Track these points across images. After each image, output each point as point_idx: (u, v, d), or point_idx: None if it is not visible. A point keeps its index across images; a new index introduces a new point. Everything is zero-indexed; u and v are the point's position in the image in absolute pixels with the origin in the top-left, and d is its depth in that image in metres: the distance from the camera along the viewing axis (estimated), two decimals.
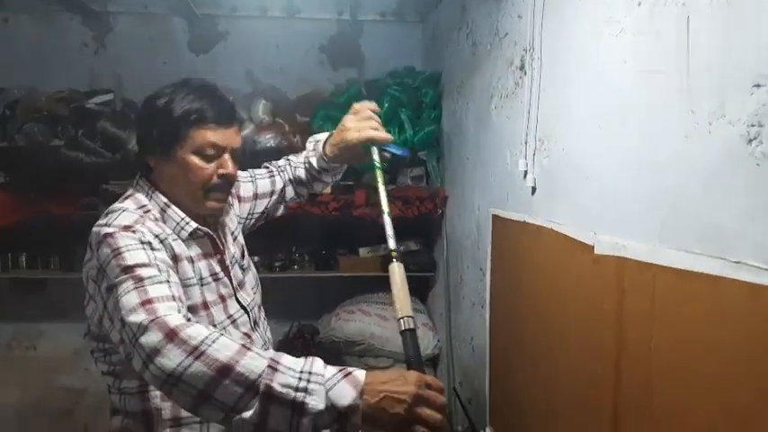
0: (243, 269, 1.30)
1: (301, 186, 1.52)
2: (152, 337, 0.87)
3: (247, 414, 0.82)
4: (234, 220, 1.37)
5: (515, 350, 1.56)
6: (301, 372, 0.84)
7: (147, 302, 0.92)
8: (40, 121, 2.54)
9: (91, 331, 1.13)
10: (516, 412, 1.56)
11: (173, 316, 0.90)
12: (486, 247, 1.81)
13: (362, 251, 2.85)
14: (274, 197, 1.48)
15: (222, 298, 1.20)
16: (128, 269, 0.97)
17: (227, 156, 1.15)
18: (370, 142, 1.30)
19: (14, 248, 2.83)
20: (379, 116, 1.37)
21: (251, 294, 1.28)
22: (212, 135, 1.12)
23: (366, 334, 2.62)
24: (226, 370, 0.83)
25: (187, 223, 1.15)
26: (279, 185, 1.49)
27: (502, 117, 1.71)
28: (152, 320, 0.89)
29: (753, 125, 0.71)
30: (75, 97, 2.67)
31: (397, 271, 1.09)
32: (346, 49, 3.07)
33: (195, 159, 1.12)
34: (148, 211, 1.14)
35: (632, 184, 0.98)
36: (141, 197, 1.16)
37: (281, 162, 1.53)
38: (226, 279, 1.22)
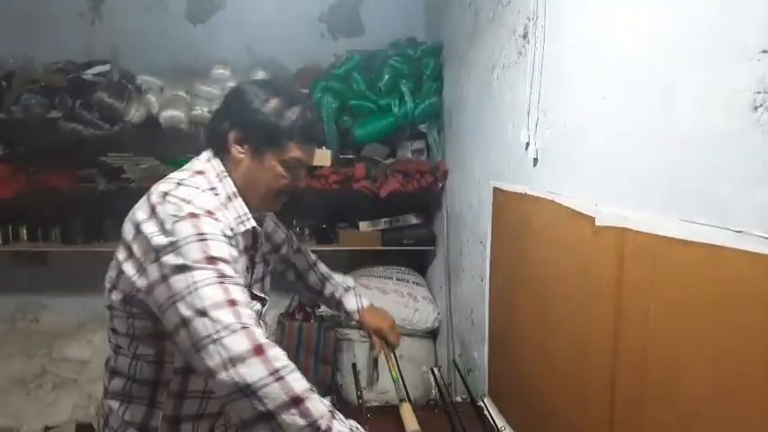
0: (263, 271, 1.35)
1: (289, 268, 1.63)
2: (240, 345, 0.91)
3: None
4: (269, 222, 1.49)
5: (514, 321, 1.57)
6: (350, 426, 0.96)
7: (232, 303, 0.95)
8: (37, 92, 2.51)
9: (119, 289, 1.08)
10: (515, 382, 1.58)
11: (259, 331, 0.95)
12: (487, 219, 1.81)
13: (363, 225, 2.84)
14: (283, 264, 1.62)
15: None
16: (212, 260, 0.98)
17: (303, 169, 1.23)
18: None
19: (14, 221, 2.84)
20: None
21: (267, 289, 1.34)
22: (304, 153, 1.20)
23: None
24: (298, 401, 0.90)
25: (249, 219, 1.18)
26: (290, 258, 1.61)
27: (504, 88, 1.68)
28: (242, 327, 0.93)
29: (759, 92, 0.70)
30: (71, 68, 2.63)
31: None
32: (346, 20, 3.02)
33: (281, 168, 1.18)
34: (218, 194, 1.14)
35: (635, 154, 0.97)
36: (212, 177, 1.16)
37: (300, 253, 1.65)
38: (249, 272, 1.26)
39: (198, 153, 1.22)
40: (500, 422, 1.61)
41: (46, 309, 3.17)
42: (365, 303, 1.61)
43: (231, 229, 1.08)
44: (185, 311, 0.94)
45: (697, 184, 0.81)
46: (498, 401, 1.72)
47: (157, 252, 0.99)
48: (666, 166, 0.88)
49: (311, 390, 0.93)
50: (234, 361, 0.89)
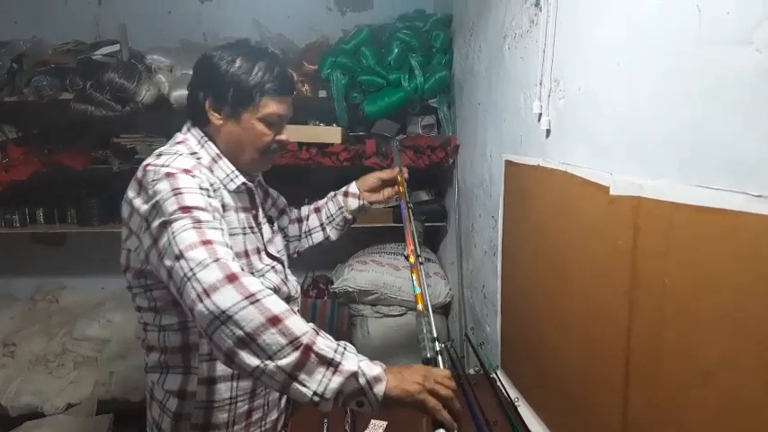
0: (272, 231, 1.39)
1: (296, 225, 1.67)
2: (213, 275, 0.91)
3: (284, 362, 0.86)
4: (266, 194, 1.50)
5: (527, 294, 1.57)
6: (338, 343, 0.92)
7: (207, 242, 0.96)
8: (48, 74, 2.51)
9: (131, 267, 1.15)
10: (528, 354, 1.59)
11: (232, 262, 0.95)
12: (499, 193, 1.79)
13: None
14: (290, 228, 1.65)
15: (257, 250, 1.27)
16: (187, 209, 1.00)
17: (283, 122, 1.25)
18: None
19: (31, 203, 2.87)
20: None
21: (281, 249, 1.38)
22: (279, 106, 1.22)
23: (379, 283, 2.65)
24: (275, 320, 0.88)
25: (237, 176, 1.22)
26: (284, 223, 1.63)
27: (516, 58, 1.65)
28: (214, 260, 0.93)
29: None
30: (81, 49, 2.63)
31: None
32: None
33: (261, 126, 1.20)
34: (200, 158, 1.18)
35: (651, 121, 0.95)
36: (193, 144, 1.22)
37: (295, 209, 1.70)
38: (258, 234, 1.29)
39: None
40: (513, 393, 1.62)
41: (65, 289, 3.24)
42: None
43: (212, 185, 1.11)
44: (168, 262, 0.97)
45: (715, 149, 0.79)
46: (511, 373, 1.74)
47: (146, 219, 1.04)
48: (682, 131, 0.86)
49: (290, 310, 0.92)
50: (208, 291, 0.89)
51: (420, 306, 1.10)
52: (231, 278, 0.90)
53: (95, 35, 2.83)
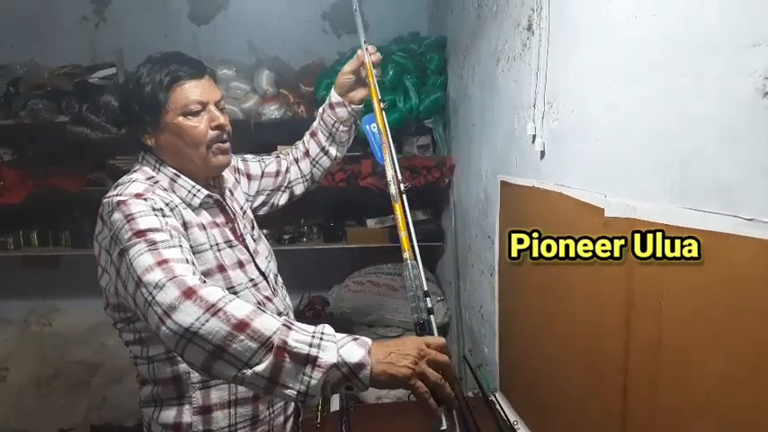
0: (254, 240, 1.33)
1: (305, 159, 1.58)
2: (169, 294, 0.88)
3: (260, 368, 0.83)
4: (242, 196, 1.42)
5: (524, 315, 1.56)
6: (314, 332, 0.86)
7: (162, 262, 0.93)
8: (44, 97, 2.53)
9: (110, 303, 1.15)
10: (526, 377, 1.57)
11: (189, 276, 0.92)
12: (495, 213, 1.80)
13: (370, 222, 2.84)
14: (280, 177, 1.55)
15: (240, 263, 1.22)
16: (140, 233, 0.98)
17: (212, 107, 1.18)
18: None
19: (25, 225, 2.86)
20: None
21: (264, 263, 1.31)
22: (191, 91, 1.15)
23: (375, 304, 2.64)
24: (242, 325, 0.84)
25: (198, 190, 1.18)
26: (284, 166, 1.56)
27: (509, 80, 1.67)
28: (170, 279, 0.90)
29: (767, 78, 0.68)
30: (77, 72, 2.65)
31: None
32: (350, 16, 3.00)
33: (185, 120, 1.15)
34: (157, 182, 1.16)
35: (643, 144, 0.96)
36: (148, 170, 1.19)
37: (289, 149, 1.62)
38: (241, 246, 1.24)
39: None
40: (512, 417, 1.61)
41: (59, 312, 3.20)
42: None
43: (167, 204, 1.08)
44: (131, 290, 0.95)
45: (706, 173, 0.80)
46: (510, 396, 1.72)
47: (108, 252, 1.04)
48: (675, 155, 0.87)
49: (257, 310, 0.87)
50: (167, 312, 0.87)
51: (407, 253, 1.00)
52: (188, 293, 0.88)
53: (92, 58, 2.85)
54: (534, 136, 1.43)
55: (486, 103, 1.95)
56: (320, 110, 1.57)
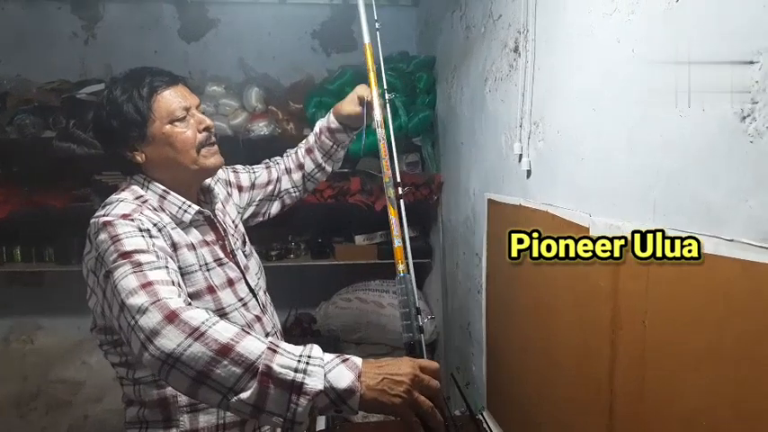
0: (245, 255, 1.32)
1: (298, 172, 1.59)
2: (152, 319, 0.87)
3: (245, 395, 0.81)
4: (234, 209, 1.41)
5: (511, 334, 1.56)
6: (300, 355, 0.84)
7: (147, 285, 0.92)
8: (32, 112, 2.51)
9: (97, 325, 1.13)
10: (513, 395, 1.57)
11: (173, 299, 0.90)
12: (482, 231, 1.81)
13: (358, 239, 2.84)
14: (270, 187, 1.56)
15: (230, 282, 1.21)
16: (126, 254, 0.97)
17: (195, 111, 1.19)
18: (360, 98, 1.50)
19: (8, 242, 2.82)
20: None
21: (255, 279, 1.30)
22: (172, 98, 1.15)
23: (363, 322, 2.63)
24: (225, 350, 0.82)
25: (189, 206, 1.17)
26: (275, 176, 1.57)
27: (496, 100, 1.70)
28: (153, 303, 0.89)
29: (746, 102, 0.70)
30: (65, 87, 2.64)
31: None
32: (339, 35, 3.04)
33: (173, 128, 1.14)
34: (146, 201, 1.15)
35: (626, 164, 0.97)
36: (137, 188, 1.18)
37: (278, 158, 1.63)
38: (231, 264, 1.23)
39: None
40: None
41: (41, 329, 3.14)
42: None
43: (155, 225, 1.07)
44: (115, 313, 0.94)
45: (688, 193, 0.82)
46: (497, 415, 1.71)
47: (95, 273, 1.03)
48: (658, 176, 0.88)
49: (241, 332, 0.85)
50: (150, 337, 0.85)
51: (401, 266, 0.99)
52: (171, 318, 0.86)
53: (81, 74, 2.84)
54: (521, 155, 1.45)
55: (474, 122, 1.97)
56: (317, 130, 1.59)
